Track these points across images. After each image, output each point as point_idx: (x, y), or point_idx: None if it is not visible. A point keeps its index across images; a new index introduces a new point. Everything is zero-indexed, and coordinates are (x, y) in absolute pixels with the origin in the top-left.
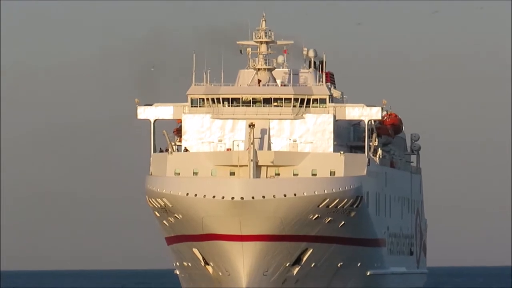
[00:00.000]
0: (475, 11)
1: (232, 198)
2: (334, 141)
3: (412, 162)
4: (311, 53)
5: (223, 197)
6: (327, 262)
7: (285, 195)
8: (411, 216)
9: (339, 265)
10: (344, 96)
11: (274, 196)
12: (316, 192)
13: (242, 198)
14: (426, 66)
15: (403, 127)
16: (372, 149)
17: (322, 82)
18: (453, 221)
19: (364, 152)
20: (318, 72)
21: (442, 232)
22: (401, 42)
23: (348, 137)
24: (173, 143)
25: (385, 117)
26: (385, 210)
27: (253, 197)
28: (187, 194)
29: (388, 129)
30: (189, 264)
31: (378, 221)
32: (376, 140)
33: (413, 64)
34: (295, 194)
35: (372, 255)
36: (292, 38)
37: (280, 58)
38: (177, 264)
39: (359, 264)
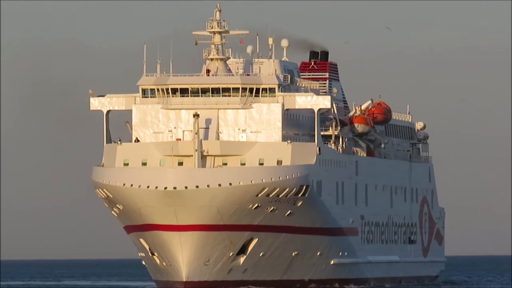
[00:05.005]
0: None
1: (165, 188)
2: (283, 130)
3: (409, 150)
4: (284, 43)
5: (156, 187)
6: (277, 251)
7: (219, 185)
8: (411, 205)
9: (293, 254)
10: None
11: (208, 185)
12: (253, 181)
13: (175, 188)
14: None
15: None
16: (332, 138)
17: (274, 71)
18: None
19: (329, 140)
20: (275, 62)
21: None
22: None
23: (311, 126)
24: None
25: (371, 107)
26: (356, 198)
27: (186, 187)
28: (124, 184)
29: (365, 119)
30: (143, 255)
31: (341, 210)
32: (337, 128)
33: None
34: (230, 184)
35: (334, 244)
36: (254, 28)
37: (249, 48)
38: (139, 254)
39: (318, 254)
